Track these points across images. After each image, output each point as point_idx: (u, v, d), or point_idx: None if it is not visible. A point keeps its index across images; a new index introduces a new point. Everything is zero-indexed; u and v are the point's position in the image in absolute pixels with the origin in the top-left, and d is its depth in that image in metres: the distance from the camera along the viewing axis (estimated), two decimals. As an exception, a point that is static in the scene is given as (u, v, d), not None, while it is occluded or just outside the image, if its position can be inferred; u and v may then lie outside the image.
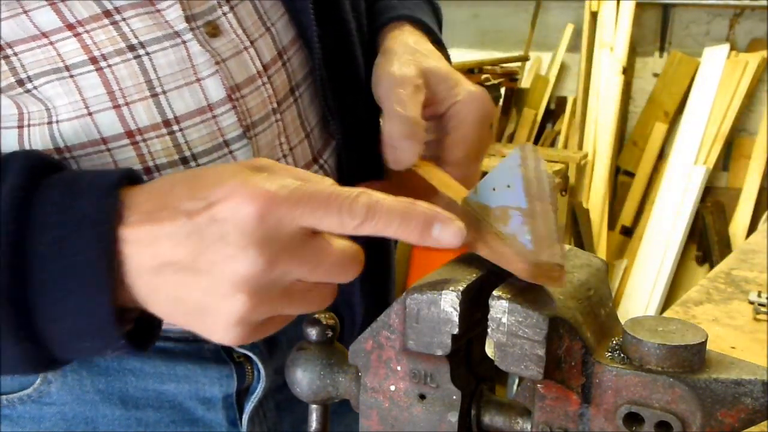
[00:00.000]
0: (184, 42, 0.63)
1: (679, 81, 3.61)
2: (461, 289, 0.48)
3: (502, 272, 0.51)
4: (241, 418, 0.77)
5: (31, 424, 0.71)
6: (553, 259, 0.50)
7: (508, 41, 4.02)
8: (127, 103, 0.62)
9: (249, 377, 0.77)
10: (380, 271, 0.84)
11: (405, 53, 0.71)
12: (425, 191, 0.63)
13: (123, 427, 0.73)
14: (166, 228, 0.50)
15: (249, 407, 0.77)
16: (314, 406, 0.57)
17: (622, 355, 0.48)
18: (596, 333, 0.50)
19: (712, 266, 3.24)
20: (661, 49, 3.72)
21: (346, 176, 0.76)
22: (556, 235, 0.51)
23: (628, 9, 3.56)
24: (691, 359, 0.46)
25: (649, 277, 3.38)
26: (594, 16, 3.65)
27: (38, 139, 0.63)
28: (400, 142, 0.64)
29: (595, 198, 3.54)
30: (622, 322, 0.50)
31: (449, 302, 0.48)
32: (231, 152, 0.67)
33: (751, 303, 1.14)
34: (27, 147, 0.63)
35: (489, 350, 0.48)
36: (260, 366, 0.76)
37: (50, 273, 0.50)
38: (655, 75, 3.74)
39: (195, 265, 0.49)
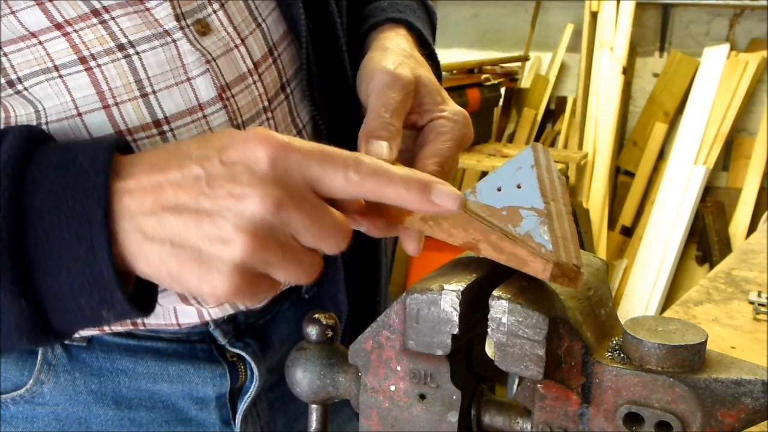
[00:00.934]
0: (173, 41, 0.63)
1: (679, 81, 3.61)
2: (461, 289, 0.48)
3: (502, 272, 0.51)
4: (234, 418, 0.77)
5: (24, 425, 0.71)
6: (571, 260, 0.49)
7: (508, 41, 4.02)
8: (116, 104, 0.62)
9: (242, 377, 0.77)
10: (367, 271, 0.84)
11: (401, 54, 0.71)
12: None
13: (116, 427, 0.73)
14: (173, 174, 0.51)
15: (242, 407, 0.77)
16: (314, 406, 0.57)
17: (622, 355, 0.48)
18: (596, 333, 0.50)
19: (712, 266, 3.24)
20: (661, 49, 3.72)
21: None
22: (571, 235, 0.51)
23: (628, 9, 3.56)
24: (691, 359, 0.46)
25: (649, 277, 3.37)
26: (594, 16, 3.65)
27: None
28: (376, 143, 0.64)
29: (595, 198, 3.54)
30: (622, 322, 0.50)
31: (449, 302, 0.48)
32: None
33: (751, 303, 1.14)
34: None
35: (489, 350, 0.48)
36: (253, 365, 0.76)
37: (47, 226, 0.50)
38: (655, 75, 3.74)
39: (198, 207, 0.50)
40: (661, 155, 3.67)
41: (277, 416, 0.82)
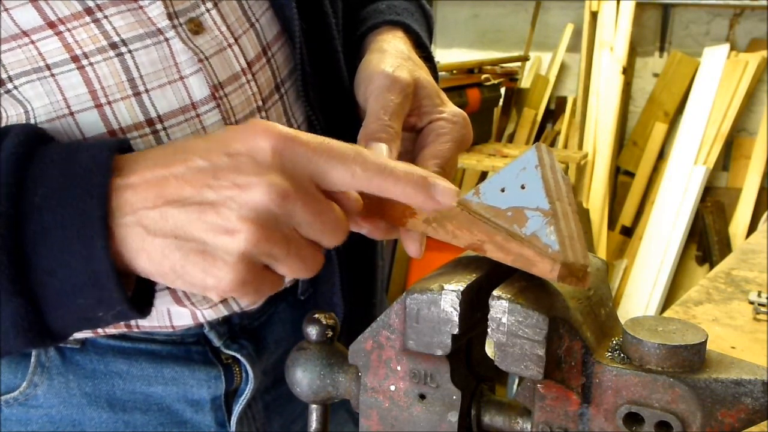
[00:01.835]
0: (166, 39, 0.63)
1: (679, 81, 3.61)
2: (461, 289, 0.48)
3: (502, 272, 0.51)
4: (229, 420, 0.77)
5: (18, 427, 0.71)
6: (578, 259, 0.49)
7: (508, 41, 4.03)
8: (109, 102, 0.61)
9: (237, 379, 0.77)
10: (363, 273, 0.84)
11: (399, 57, 0.71)
12: None
13: (110, 429, 0.72)
14: (177, 168, 0.51)
15: (237, 409, 0.77)
16: (314, 406, 0.57)
17: (622, 355, 0.48)
18: (596, 333, 0.50)
19: (712, 266, 3.24)
20: (661, 49, 3.72)
21: None
22: (578, 235, 0.51)
23: (628, 9, 3.56)
24: (691, 359, 0.46)
25: (649, 277, 3.38)
26: (594, 16, 3.65)
27: None
28: (376, 145, 0.64)
29: (595, 198, 3.54)
30: (622, 322, 0.50)
31: (449, 302, 0.48)
32: None
33: (751, 303, 1.14)
34: None
35: (489, 350, 0.48)
36: (248, 367, 0.76)
37: (46, 223, 0.50)
38: (655, 75, 3.74)
39: (203, 199, 0.50)
40: (661, 155, 3.67)
41: (273, 418, 0.82)
